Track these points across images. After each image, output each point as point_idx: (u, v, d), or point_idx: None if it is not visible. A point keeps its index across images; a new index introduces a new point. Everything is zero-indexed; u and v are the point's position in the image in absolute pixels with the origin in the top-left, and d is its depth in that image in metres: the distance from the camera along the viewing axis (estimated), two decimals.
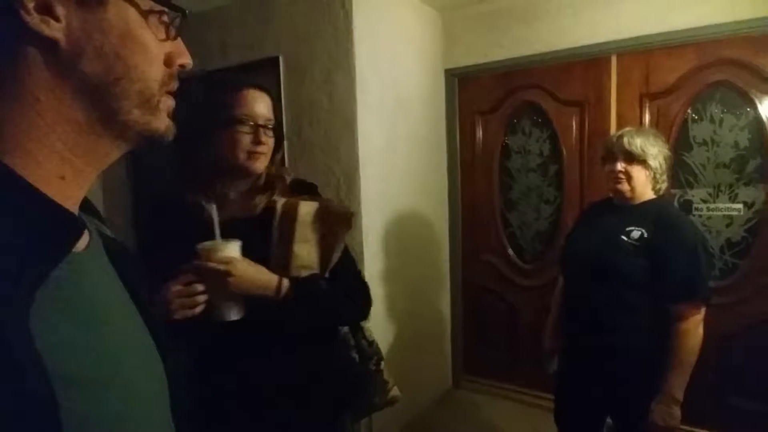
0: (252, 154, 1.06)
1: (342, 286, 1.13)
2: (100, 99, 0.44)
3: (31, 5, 0.39)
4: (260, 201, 1.11)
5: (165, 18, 0.48)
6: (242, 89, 1.06)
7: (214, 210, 1.00)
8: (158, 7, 0.47)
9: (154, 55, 0.47)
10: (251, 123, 1.05)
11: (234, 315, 1.01)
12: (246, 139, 1.05)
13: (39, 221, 0.40)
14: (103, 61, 0.43)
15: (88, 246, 0.49)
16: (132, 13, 0.44)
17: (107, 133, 0.46)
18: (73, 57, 0.41)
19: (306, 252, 1.08)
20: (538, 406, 2.59)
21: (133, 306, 0.54)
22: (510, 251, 2.86)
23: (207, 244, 1.00)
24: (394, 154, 2.45)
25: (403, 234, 2.54)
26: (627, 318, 1.49)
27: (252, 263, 1.01)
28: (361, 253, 2.20)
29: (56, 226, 0.42)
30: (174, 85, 0.50)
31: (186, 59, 0.50)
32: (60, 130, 0.43)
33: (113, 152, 0.48)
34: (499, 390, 2.89)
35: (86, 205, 0.53)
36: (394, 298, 2.46)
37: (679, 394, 1.44)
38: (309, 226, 1.08)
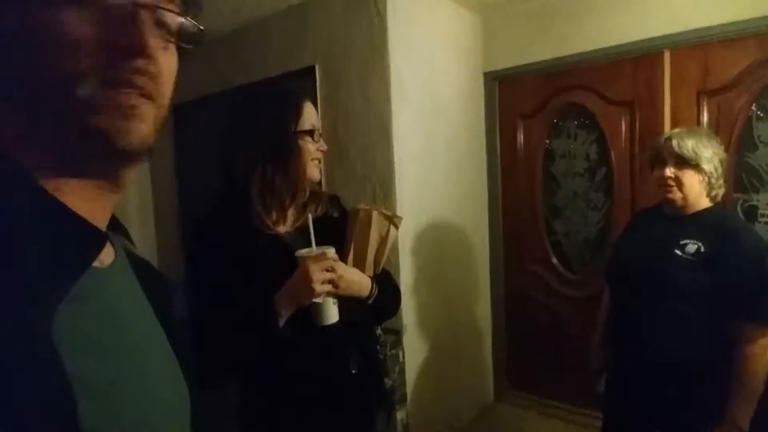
0: (316, 162, 1.14)
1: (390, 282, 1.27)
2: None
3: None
4: (310, 210, 1.15)
5: None
6: (302, 102, 1.13)
7: (309, 219, 1.07)
8: None
9: None
10: (317, 132, 1.13)
11: (333, 318, 1.06)
12: (313, 148, 1.12)
13: (59, 233, 0.40)
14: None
15: (113, 262, 0.50)
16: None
17: None
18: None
19: (376, 254, 1.17)
20: (585, 425, 2.44)
21: (157, 323, 0.55)
22: (554, 260, 2.73)
23: (304, 251, 1.04)
24: (432, 160, 2.40)
25: (441, 241, 2.48)
26: (680, 336, 1.36)
27: (348, 267, 1.10)
28: (397, 261, 2.16)
29: (77, 239, 0.41)
30: None
31: None
32: None
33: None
34: (544, 406, 2.75)
35: (113, 222, 0.53)
36: (431, 308, 2.40)
37: (744, 423, 1.30)
38: (376, 230, 1.15)
